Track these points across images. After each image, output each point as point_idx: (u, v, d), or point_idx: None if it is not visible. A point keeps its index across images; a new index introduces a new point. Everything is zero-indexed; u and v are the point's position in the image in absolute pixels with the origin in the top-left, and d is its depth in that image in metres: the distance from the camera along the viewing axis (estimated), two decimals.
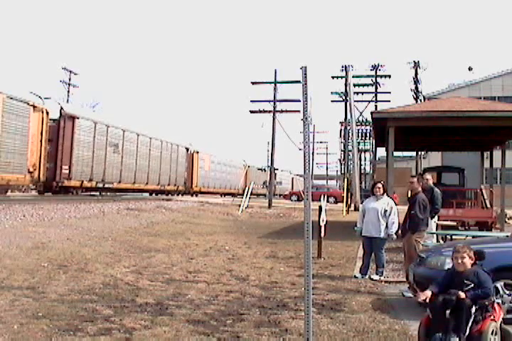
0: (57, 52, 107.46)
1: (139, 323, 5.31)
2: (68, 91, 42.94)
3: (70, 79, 43.16)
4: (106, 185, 25.19)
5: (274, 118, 32.22)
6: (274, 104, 32.03)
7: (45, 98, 20.55)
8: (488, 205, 17.17)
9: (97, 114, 24.92)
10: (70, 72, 43.34)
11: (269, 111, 32.37)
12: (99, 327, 5.14)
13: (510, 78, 39.70)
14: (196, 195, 37.86)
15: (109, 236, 12.53)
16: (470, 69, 47.02)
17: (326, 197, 14.38)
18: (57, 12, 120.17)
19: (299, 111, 31.04)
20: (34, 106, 19.14)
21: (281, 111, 32.60)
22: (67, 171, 21.71)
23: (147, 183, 30.08)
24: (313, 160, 49.74)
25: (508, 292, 5.74)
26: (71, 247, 10.40)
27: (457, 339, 4.23)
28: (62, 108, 21.62)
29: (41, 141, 19.67)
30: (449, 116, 13.83)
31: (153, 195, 32.38)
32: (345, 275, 8.58)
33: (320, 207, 11.12)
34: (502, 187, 17.13)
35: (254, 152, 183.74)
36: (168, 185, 33.54)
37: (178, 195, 34.60)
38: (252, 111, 33.38)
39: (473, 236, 10.13)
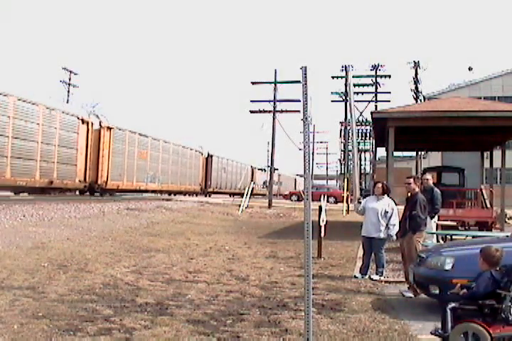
0: (57, 52, 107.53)
1: (139, 323, 5.31)
2: (68, 91, 42.94)
3: (70, 79, 43.13)
4: (220, 190, 44.22)
5: (274, 118, 32.23)
6: (274, 104, 32.02)
7: (200, 146, 40.09)
8: (488, 205, 17.15)
9: (217, 151, 43.81)
10: (70, 72, 43.32)
11: (269, 111, 32.37)
12: (99, 327, 5.13)
13: (510, 78, 39.63)
14: (254, 196, 50.96)
15: (109, 236, 12.53)
16: (470, 69, 46.93)
17: (326, 197, 14.39)
18: (57, 12, 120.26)
19: (299, 111, 31.04)
20: (201, 153, 40.01)
21: (281, 111, 32.60)
22: (210, 183, 41.41)
23: (235, 189, 47.55)
24: (313, 160, 49.74)
25: None
26: (71, 247, 10.41)
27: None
28: (208, 152, 41.43)
29: (202, 170, 40.15)
30: (449, 116, 13.81)
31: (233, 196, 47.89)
32: (345, 276, 8.58)
33: (320, 207, 11.12)
34: (502, 187, 17.12)
35: (254, 152, 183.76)
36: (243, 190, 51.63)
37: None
38: (252, 111, 33.39)
39: (473, 236, 10.12)
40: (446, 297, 4.46)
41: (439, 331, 4.43)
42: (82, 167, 23.18)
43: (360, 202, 8.85)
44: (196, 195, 39.01)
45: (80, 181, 23.20)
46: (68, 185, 22.65)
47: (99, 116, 25.01)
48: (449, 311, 4.37)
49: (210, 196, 40.50)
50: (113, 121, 25.35)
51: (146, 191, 30.14)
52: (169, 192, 34.50)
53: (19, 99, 18.82)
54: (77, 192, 25.18)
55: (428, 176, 11.29)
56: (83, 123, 23.07)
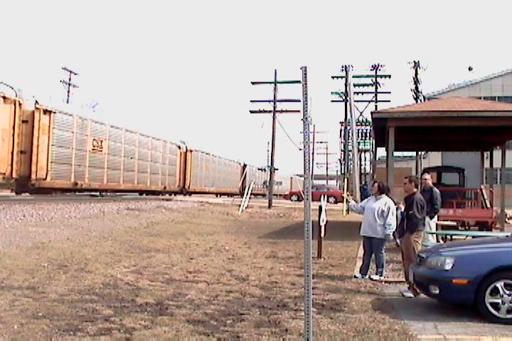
0: (57, 52, 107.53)
1: (139, 323, 5.31)
2: (68, 91, 42.88)
3: (70, 79, 43.06)
4: (252, 192, 45.56)
5: (274, 118, 32.22)
6: (274, 104, 31.99)
7: (239, 158, 50.88)
8: (488, 205, 17.15)
9: (251, 161, 53.89)
10: (70, 72, 43.25)
11: (269, 111, 32.33)
12: (99, 327, 5.14)
13: (510, 78, 39.66)
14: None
15: (109, 236, 12.53)
16: (470, 69, 46.92)
17: (326, 197, 14.38)
18: (57, 12, 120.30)
19: (299, 111, 30.99)
20: (239, 163, 50.78)
21: (281, 111, 32.54)
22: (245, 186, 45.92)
23: (260, 190, 54.57)
24: (313, 160, 49.71)
25: (508, 292, 5.74)
26: (71, 247, 10.41)
27: None
28: (244, 162, 51.38)
29: (240, 177, 48.25)
30: (449, 116, 13.81)
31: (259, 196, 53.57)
32: (345, 275, 8.58)
33: (320, 207, 11.12)
34: (502, 187, 17.10)
35: (254, 152, 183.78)
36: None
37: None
38: (252, 111, 33.35)
39: (473, 236, 10.12)
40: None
41: None
42: (178, 177, 34.97)
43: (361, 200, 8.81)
44: (232, 196, 46.56)
45: (177, 186, 34.97)
46: (172, 189, 34.05)
47: (185, 142, 36.49)
48: None
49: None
50: (192, 145, 37.34)
51: (208, 193, 41.94)
52: (220, 194, 45.32)
53: (153, 138, 30.49)
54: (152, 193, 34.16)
55: (427, 176, 11.26)
56: (179, 148, 35.06)
